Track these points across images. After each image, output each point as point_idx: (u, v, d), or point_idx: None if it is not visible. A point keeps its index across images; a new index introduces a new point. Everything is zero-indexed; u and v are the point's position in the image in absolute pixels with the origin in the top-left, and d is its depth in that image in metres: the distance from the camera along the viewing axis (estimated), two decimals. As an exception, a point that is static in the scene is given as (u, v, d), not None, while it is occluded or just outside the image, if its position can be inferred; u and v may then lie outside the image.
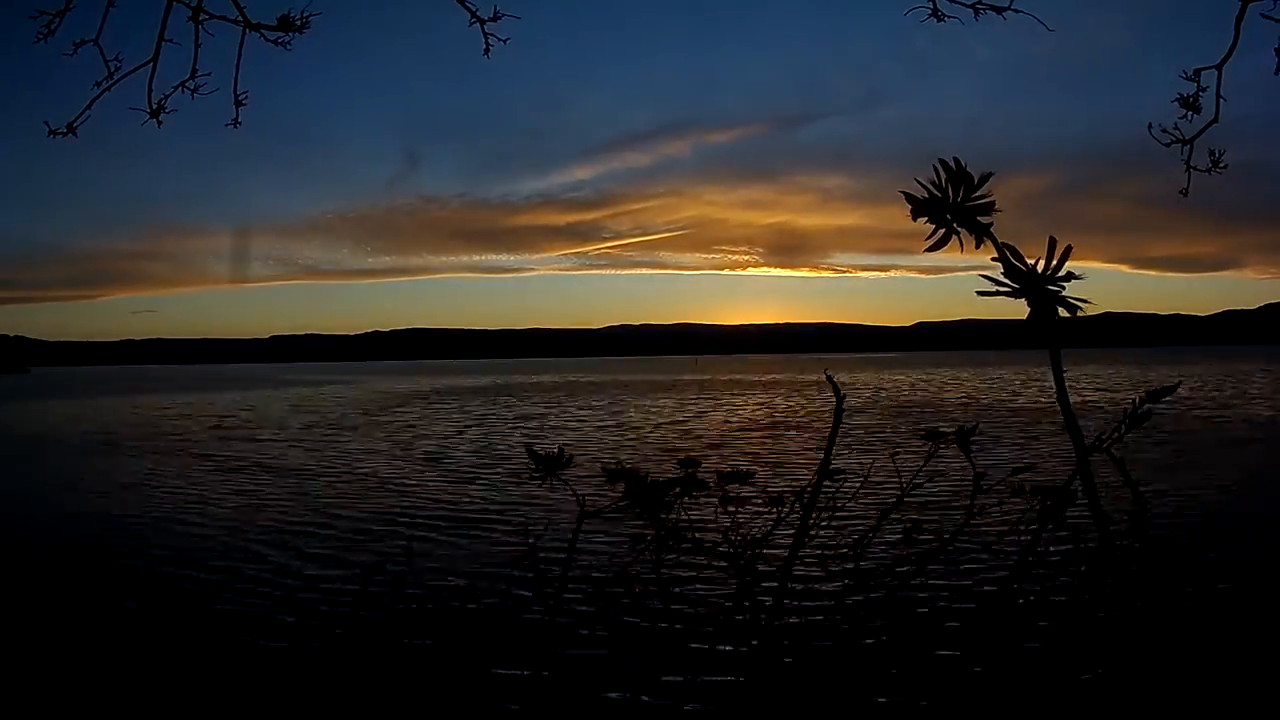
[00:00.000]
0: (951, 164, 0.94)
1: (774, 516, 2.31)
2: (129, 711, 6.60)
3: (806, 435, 26.69)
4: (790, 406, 39.62)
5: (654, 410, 39.17)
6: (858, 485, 2.41)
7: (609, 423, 33.09)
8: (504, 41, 3.21)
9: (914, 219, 0.96)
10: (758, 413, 36.66)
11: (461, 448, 24.93)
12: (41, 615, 9.08)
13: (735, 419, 33.71)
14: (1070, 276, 0.98)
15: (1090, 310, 1.06)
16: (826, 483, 2.29)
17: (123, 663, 7.53)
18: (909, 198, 0.96)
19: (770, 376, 73.78)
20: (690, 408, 40.38)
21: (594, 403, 45.31)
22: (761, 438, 26.64)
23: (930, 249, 0.97)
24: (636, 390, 56.51)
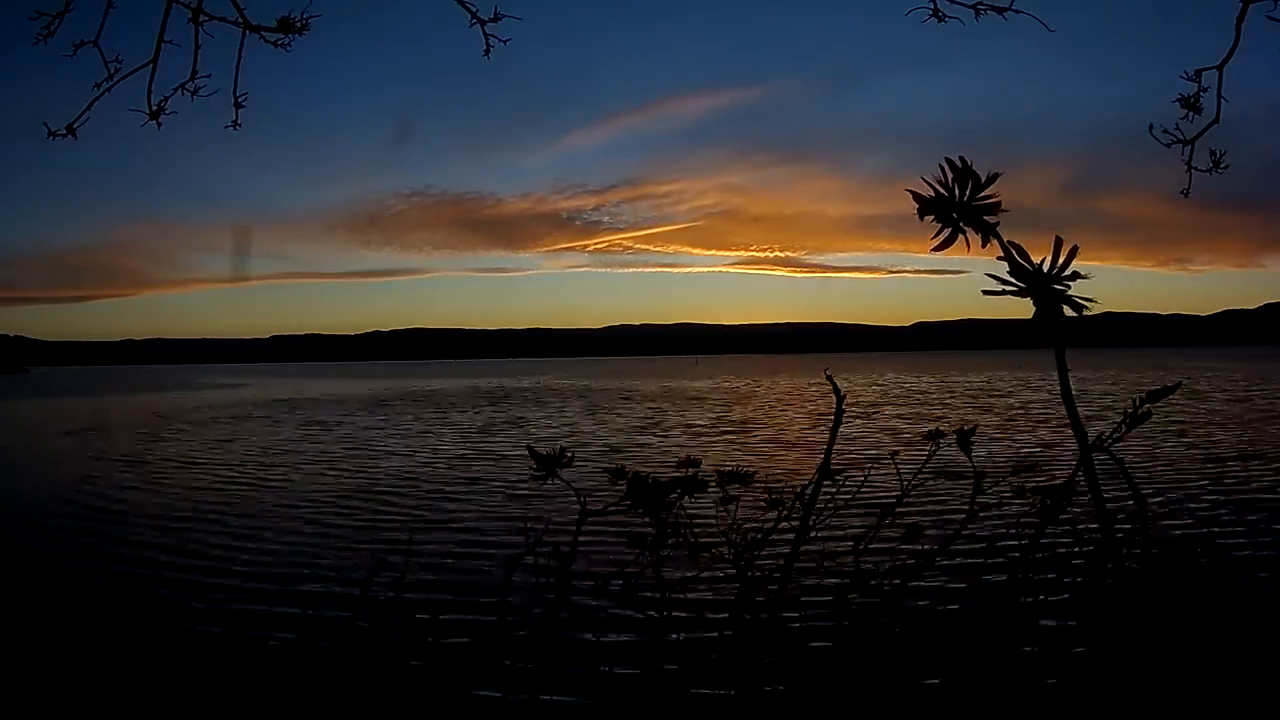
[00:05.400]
0: (958, 162, 0.94)
1: (774, 516, 2.32)
2: (121, 712, 6.59)
3: (806, 437, 26.71)
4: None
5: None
6: (858, 485, 2.41)
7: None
8: (504, 43, 3.21)
9: (920, 218, 0.96)
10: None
11: (463, 447, 24.93)
12: (34, 616, 9.08)
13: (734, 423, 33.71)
14: (1076, 276, 0.98)
15: (1092, 310, 1.05)
16: (826, 483, 2.29)
17: (114, 662, 7.52)
18: (916, 196, 0.96)
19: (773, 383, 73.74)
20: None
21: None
22: (761, 440, 26.65)
23: (937, 249, 0.96)
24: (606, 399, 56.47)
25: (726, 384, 68.68)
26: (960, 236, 0.97)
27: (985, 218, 0.96)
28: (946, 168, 0.96)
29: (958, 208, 0.96)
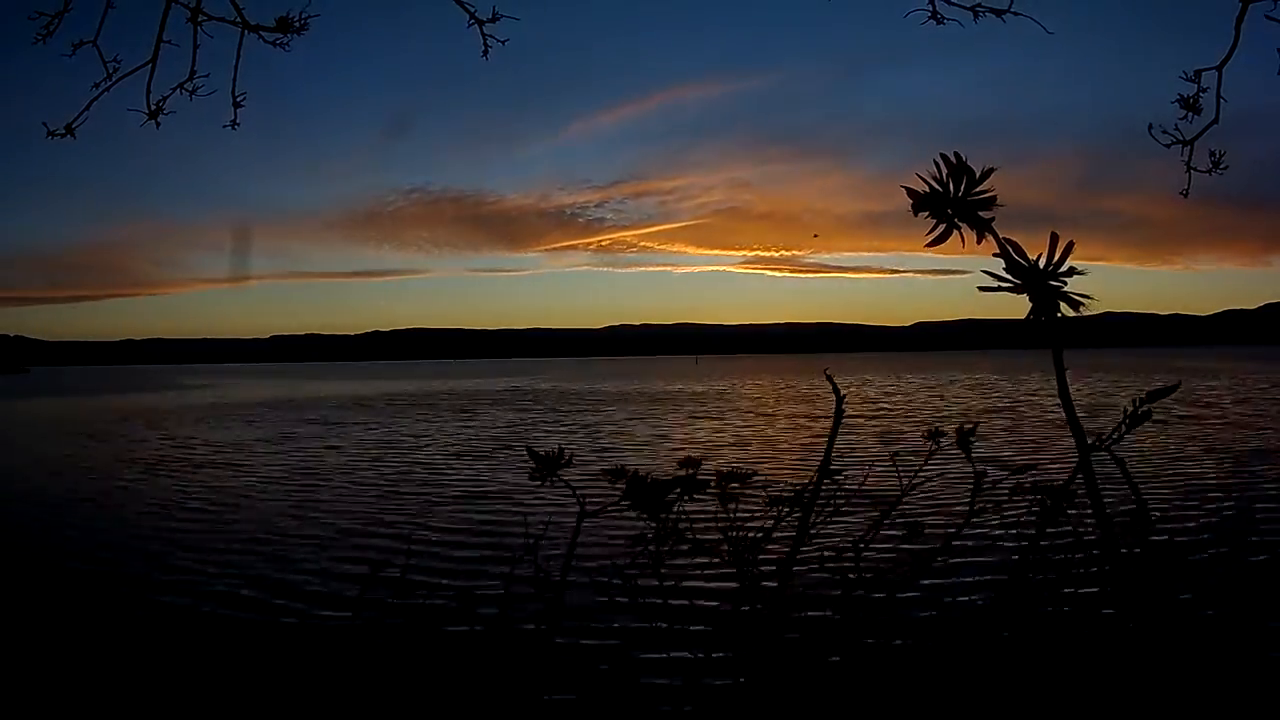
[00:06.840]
0: (952, 158, 0.94)
1: (774, 516, 2.31)
2: (118, 712, 6.59)
3: (806, 436, 26.70)
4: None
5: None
6: (858, 485, 2.41)
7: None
8: (503, 43, 3.20)
9: (915, 214, 0.96)
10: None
11: (462, 447, 24.93)
12: (34, 616, 9.07)
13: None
14: (1072, 272, 0.98)
15: (1091, 309, 1.05)
16: (826, 482, 2.29)
17: (113, 661, 7.51)
18: (910, 192, 0.96)
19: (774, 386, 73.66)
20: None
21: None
22: (760, 440, 26.64)
23: (931, 244, 0.97)
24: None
25: (731, 386, 68.65)
26: (955, 232, 0.97)
27: (980, 213, 0.96)
28: (941, 163, 0.96)
29: (952, 203, 0.95)
